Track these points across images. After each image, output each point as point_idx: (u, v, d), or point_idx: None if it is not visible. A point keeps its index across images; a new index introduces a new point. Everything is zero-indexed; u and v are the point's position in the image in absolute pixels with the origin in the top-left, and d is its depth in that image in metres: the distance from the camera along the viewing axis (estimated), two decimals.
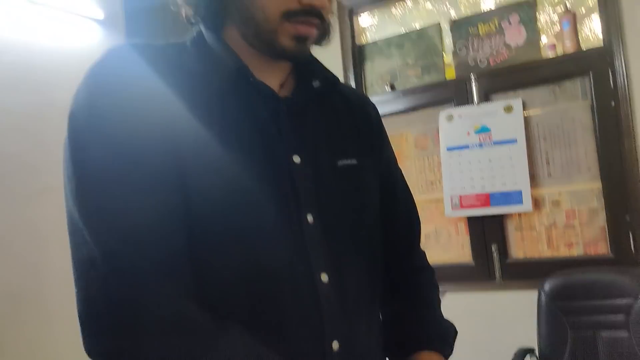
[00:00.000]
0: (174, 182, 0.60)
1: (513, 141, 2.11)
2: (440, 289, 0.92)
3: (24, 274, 1.71)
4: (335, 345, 0.68)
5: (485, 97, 2.20)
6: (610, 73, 1.99)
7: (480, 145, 2.17)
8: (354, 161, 0.76)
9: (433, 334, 0.84)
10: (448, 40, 2.34)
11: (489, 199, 2.15)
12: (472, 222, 2.21)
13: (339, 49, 2.47)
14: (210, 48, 0.69)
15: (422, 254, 0.94)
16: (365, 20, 2.57)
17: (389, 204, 0.84)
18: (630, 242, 1.96)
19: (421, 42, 2.40)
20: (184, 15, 0.71)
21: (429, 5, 2.44)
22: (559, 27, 2.13)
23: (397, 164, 0.91)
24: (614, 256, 1.98)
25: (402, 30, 2.46)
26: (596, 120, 2.01)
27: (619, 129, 1.97)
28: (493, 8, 2.27)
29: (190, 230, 0.61)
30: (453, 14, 2.37)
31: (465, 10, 2.36)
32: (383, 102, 2.33)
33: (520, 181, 2.09)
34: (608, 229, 2.00)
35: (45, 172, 1.70)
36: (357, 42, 2.52)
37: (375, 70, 2.49)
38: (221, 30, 0.70)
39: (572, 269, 1.92)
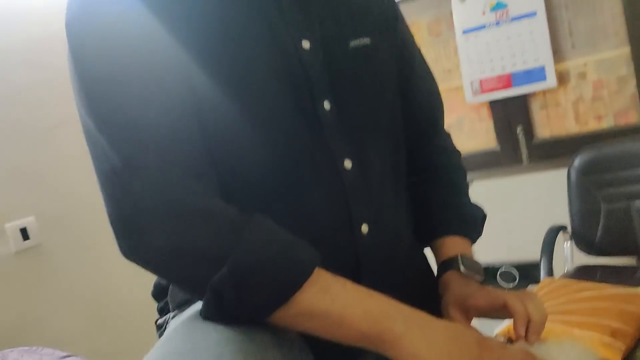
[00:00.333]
0: (182, 81, 0.58)
1: (532, 14, 1.98)
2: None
3: (54, 201, 1.75)
4: (364, 228, 0.67)
5: None
6: None
7: (497, 23, 2.05)
8: (367, 40, 0.70)
9: (459, 218, 0.81)
10: None
11: (510, 80, 2.06)
12: (495, 105, 2.13)
13: None
14: None
15: (447, 136, 0.90)
16: None
17: (407, 82, 0.79)
18: None
19: None
20: None
21: None
22: None
23: (414, 42, 0.84)
24: None
25: None
26: None
27: None
28: None
29: (203, 131, 0.59)
30: None
31: None
32: None
33: (542, 56, 1.99)
34: (639, 96, 1.91)
35: (63, 105, 1.67)
36: None
37: None
38: None
39: (602, 142, 1.86)
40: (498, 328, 0.91)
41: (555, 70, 1.97)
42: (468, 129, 2.24)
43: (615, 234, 1.79)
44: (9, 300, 1.62)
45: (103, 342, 1.75)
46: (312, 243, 0.58)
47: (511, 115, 2.11)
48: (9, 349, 1.46)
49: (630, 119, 1.95)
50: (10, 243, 1.64)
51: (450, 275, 0.75)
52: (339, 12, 0.69)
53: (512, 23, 2.02)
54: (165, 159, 0.55)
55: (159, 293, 0.74)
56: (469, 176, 0.89)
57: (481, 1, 2.06)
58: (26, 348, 1.49)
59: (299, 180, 0.63)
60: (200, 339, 0.53)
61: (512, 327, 0.68)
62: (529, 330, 0.65)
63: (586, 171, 1.82)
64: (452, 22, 2.13)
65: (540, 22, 1.97)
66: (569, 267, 1.87)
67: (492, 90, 2.10)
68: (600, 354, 0.80)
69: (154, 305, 0.77)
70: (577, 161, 1.83)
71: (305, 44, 0.65)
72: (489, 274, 2.12)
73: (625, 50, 1.91)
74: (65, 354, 1.50)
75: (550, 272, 1.70)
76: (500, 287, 2.05)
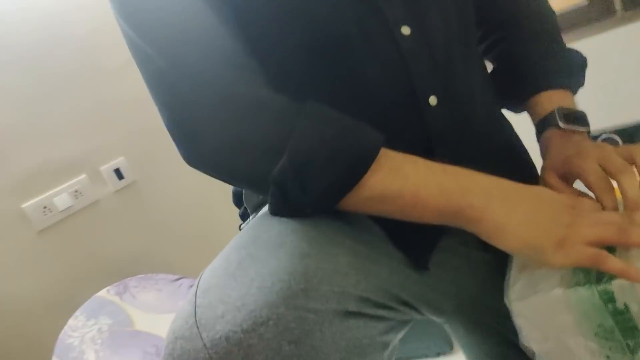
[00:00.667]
0: None
1: None
2: None
3: (138, 139, 1.82)
4: (432, 100, 0.61)
5: None
6: None
7: None
8: None
9: (553, 67, 0.71)
10: None
11: None
12: None
13: None
14: None
15: None
16: None
17: None
18: None
19: None
20: None
21: None
22: None
23: None
24: None
25: None
26: None
27: None
28: None
29: (239, 19, 0.55)
30: None
31: None
32: None
33: None
34: None
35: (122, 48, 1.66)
36: None
37: None
38: None
39: None
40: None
41: None
42: None
43: None
44: (118, 236, 1.74)
45: (207, 263, 1.86)
46: (376, 123, 0.53)
47: None
48: (128, 278, 1.60)
49: None
50: (109, 184, 1.75)
51: (548, 135, 0.67)
52: None
53: None
54: (207, 54, 0.53)
55: (237, 200, 0.74)
56: None
57: None
58: (142, 275, 1.62)
59: (349, 56, 0.58)
60: (262, 232, 0.52)
61: None
62: None
63: None
64: None
65: None
66: None
67: None
68: None
69: None
70: None
71: None
72: None
73: None
74: (177, 276, 1.61)
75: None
76: None
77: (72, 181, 1.66)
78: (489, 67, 0.78)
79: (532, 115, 0.72)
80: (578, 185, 0.63)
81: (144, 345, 1.41)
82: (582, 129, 0.67)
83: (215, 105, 0.52)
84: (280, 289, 0.44)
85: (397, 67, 0.59)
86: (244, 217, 0.74)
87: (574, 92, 0.71)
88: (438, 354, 1.77)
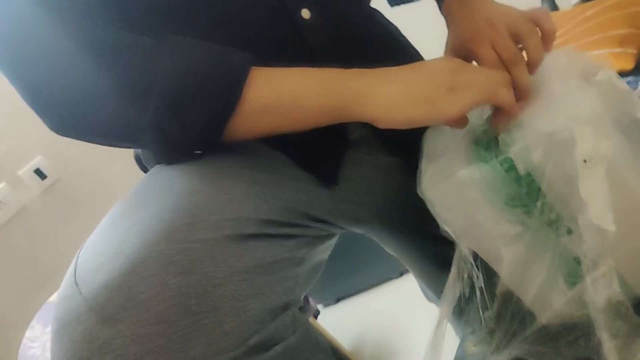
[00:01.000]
0: None
1: None
2: None
3: (52, 136, 1.72)
4: (305, 13, 0.59)
5: None
6: None
7: None
8: None
9: None
10: None
11: None
12: None
13: None
14: None
15: None
16: None
17: None
18: None
19: None
20: None
21: None
22: None
23: None
24: None
25: None
26: None
27: None
28: None
29: None
30: None
31: None
32: None
33: None
34: None
35: None
36: None
37: None
38: None
39: None
40: None
41: None
42: None
43: None
44: (56, 237, 1.67)
45: None
46: (256, 48, 0.51)
47: None
48: None
49: None
50: (32, 187, 1.66)
51: (447, 5, 0.65)
52: None
53: None
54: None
55: (141, 165, 0.72)
56: None
57: None
58: None
59: None
60: (150, 180, 0.50)
61: None
62: (543, 39, 0.58)
63: None
64: None
65: None
66: None
67: None
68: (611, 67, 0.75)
69: None
70: None
71: None
72: None
73: None
74: None
75: (554, 6, 1.57)
76: None
77: None
78: None
79: None
80: None
81: None
82: None
83: (69, 57, 0.48)
84: (161, 227, 0.43)
85: None
86: None
87: None
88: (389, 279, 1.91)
